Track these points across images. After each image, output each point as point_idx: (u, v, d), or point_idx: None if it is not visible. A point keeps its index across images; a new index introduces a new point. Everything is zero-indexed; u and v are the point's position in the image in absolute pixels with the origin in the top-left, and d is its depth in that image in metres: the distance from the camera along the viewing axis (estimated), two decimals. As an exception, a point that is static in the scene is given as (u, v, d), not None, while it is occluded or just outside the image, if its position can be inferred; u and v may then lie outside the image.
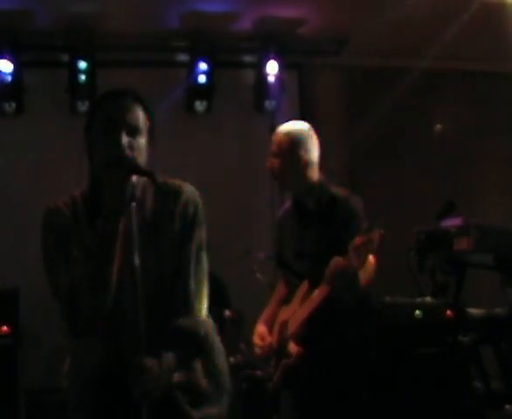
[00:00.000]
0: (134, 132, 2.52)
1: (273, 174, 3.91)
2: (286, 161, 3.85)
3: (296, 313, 3.80)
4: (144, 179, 2.54)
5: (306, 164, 3.83)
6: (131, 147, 2.49)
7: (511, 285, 3.94)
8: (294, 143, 3.82)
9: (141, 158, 2.53)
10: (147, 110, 2.61)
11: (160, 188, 2.61)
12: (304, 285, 3.79)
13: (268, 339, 3.98)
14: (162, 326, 2.54)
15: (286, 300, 4.03)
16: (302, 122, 3.99)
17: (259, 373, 5.32)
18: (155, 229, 2.60)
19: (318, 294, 3.65)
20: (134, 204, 2.40)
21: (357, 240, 3.38)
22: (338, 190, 3.87)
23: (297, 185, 3.89)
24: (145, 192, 2.62)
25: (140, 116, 2.56)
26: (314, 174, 3.87)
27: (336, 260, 3.51)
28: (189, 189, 2.71)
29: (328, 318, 3.69)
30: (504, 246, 3.63)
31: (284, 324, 3.91)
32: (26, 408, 6.18)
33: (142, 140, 2.55)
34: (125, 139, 2.48)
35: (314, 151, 3.87)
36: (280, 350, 3.90)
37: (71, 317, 2.47)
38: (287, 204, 4.09)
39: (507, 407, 4.13)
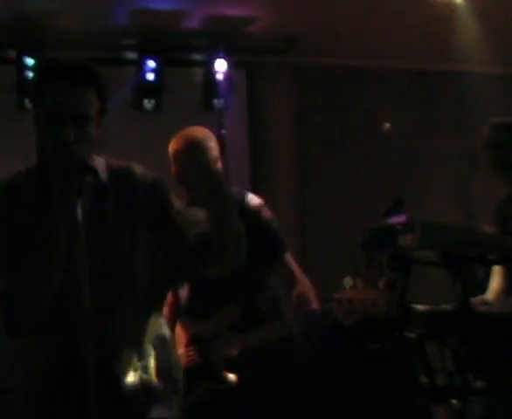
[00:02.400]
0: (82, 121, 2.39)
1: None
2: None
3: (225, 338, 3.70)
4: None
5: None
6: (78, 139, 2.37)
7: (457, 281, 3.98)
8: (202, 147, 3.63)
9: (90, 147, 2.44)
10: (98, 88, 2.45)
11: (106, 182, 2.52)
12: (231, 313, 3.71)
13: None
14: (116, 320, 2.48)
15: (186, 310, 3.94)
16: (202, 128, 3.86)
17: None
18: (107, 220, 2.51)
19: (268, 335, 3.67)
20: (79, 202, 2.31)
21: (352, 293, 3.40)
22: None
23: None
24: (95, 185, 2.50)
25: (89, 102, 2.42)
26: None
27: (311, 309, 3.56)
28: (139, 170, 2.65)
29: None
30: (449, 243, 3.66)
31: (196, 343, 3.78)
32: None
33: (91, 128, 2.42)
34: (71, 132, 2.35)
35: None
36: (197, 370, 3.75)
37: (9, 316, 2.39)
38: None
39: (453, 401, 4.17)
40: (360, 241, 3.87)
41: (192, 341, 3.81)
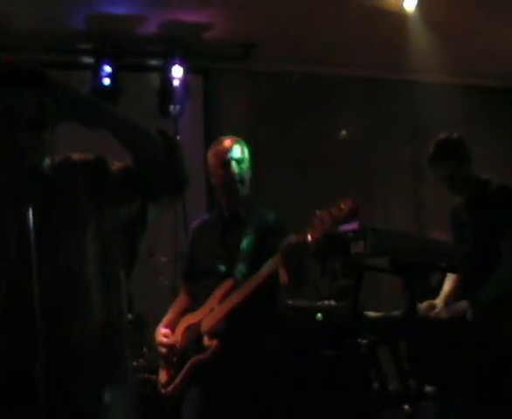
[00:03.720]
0: (37, 126, 2.35)
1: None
2: (217, 178, 3.98)
3: (214, 310, 3.82)
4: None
5: (235, 176, 3.91)
6: (33, 144, 2.34)
7: (407, 287, 4.03)
8: (226, 156, 3.93)
9: (46, 152, 2.41)
10: (52, 92, 2.32)
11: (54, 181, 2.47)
12: (226, 284, 3.82)
13: (172, 338, 4.00)
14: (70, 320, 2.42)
15: (189, 309, 4.06)
16: (235, 137, 4.06)
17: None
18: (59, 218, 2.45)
19: (253, 280, 3.72)
20: (29, 207, 2.24)
21: (321, 213, 3.46)
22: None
23: (227, 197, 3.98)
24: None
25: (44, 105, 2.35)
26: (242, 186, 3.95)
27: (288, 239, 3.58)
28: (76, 156, 2.59)
29: (248, 315, 3.74)
30: (399, 250, 3.70)
31: (190, 326, 3.93)
32: None
33: (46, 133, 2.38)
34: (26, 137, 2.32)
35: (245, 164, 3.97)
36: (185, 350, 3.91)
37: None
38: (207, 215, 4.23)
39: (404, 407, 4.21)
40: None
41: (185, 329, 3.97)
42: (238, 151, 3.97)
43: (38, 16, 6.58)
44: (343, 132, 8.13)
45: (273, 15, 6.81)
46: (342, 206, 3.45)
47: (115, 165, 2.59)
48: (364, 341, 4.33)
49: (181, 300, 4.22)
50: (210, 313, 3.85)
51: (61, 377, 2.38)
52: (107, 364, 2.51)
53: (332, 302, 4.50)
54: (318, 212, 3.51)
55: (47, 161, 2.47)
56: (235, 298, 3.75)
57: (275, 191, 7.37)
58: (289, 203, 7.25)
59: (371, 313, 4.18)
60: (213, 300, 3.86)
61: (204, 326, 3.85)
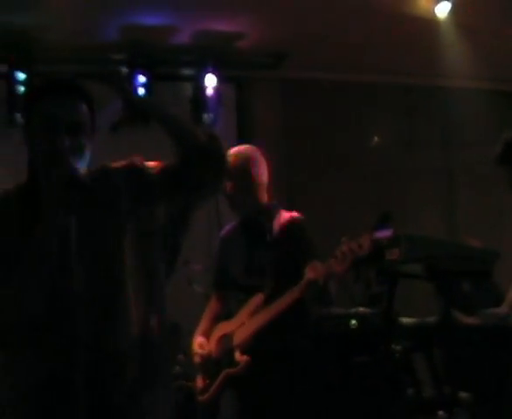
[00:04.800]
0: (76, 130, 2.43)
1: (224, 194, 4.00)
2: (238, 182, 3.97)
3: (245, 325, 3.89)
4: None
5: (257, 186, 3.96)
6: (72, 148, 2.41)
7: (441, 294, 4.03)
8: (246, 165, 3.95)
9: (83, 160, 2.46)
10: (89, 103, 2.49)
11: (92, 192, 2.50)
12: (256, 299, 3.87)
13: (207, 347, 4.05)
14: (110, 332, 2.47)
15: (223, 316, 4.12)
16: (251, 146, 4.11)
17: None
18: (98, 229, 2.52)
19: (280, 303, 3.76)
20: (73, 217, 2.32)
21: (344, 245, 3.51)
22: (290, 213, 4.08)
23: (248, 205, 3.99)
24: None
25: (82, 113, 2.46)
26: (264, 195, 4.00)
27: (313, 265, 3.64)
28: (111, 165, 2.66)
29: (280, 329, 3.79)
30: (433, 256, 3.71)
31: (225, 336, 3.99)
32: None
33: (84, 139, 2.46)
34: (65, 141, 2.39)
35: (264, 173, 4.00)
36: (220, 360, 3.97)
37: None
38: (233, 224, 4.23)
39: (439, 413, 4.20)
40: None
41: (219, 339, 4.04)
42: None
43: (72, 27, 6.65)
44: (375, 138, 8.13)
45: (304, 23, 6.82)
46: (362, 241, 3.51)
47: (153, 166, 2.68)
48: (398, 347, 4.34)
49: (213, 307, 4.29)
50: (241, 327, 3.92)
51: (101, 378, 2.43)
52: (146, 367, 2.56)
53: (366, 309, 4.51)
54: (343, 242, 3.56)
55: (84, 169, 2.52)
56: (264, 317, 3.82)
57: (306, 197, 7.38)
58: (320, 210, 7.28)
59: (406, 319, 4.18)
60: (244, 314, 3.93)
61: (236, 340, 3.92)
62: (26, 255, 2.36)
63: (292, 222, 4.04)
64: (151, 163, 2.69)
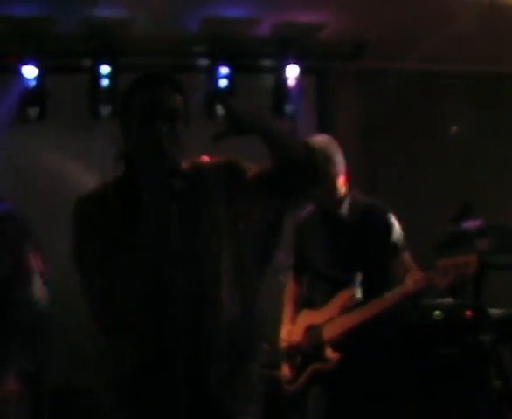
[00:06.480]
0: (173, 116, 2.49)
1: None
2: None
3: (336, 321, 3.89)
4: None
5: (335, 176, 3.94)
6: (169, 136, 2.45)
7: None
8: (324, 156, 3.92)
9: (179, 149, 2.50)
10: (183, 94, 2.56)
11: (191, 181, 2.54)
12: (345, 295, 3.87)
13: (295, 337, 4.06)
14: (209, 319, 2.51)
15: (304, 302, 4.12)
16: (329, 136, 4.10)
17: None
18: (197, 218, 2.57)
19: (374, 307, 3.78)
20: (173, 206, 2.37)
21: (449, 260, 3.49)
22: (371, 199, 4.02)
23: (327, 196, 3.98)
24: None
25: (177, 101, 2.53)
26: (342, 184, 3.98)
27: (413, 275, 3.62)
28: (207, 162, 2.72)
29: (370, 330, 3.81)
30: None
31: (313, 328, 3.99)
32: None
33: (181, 126, 2.51)
34: (163, 128, 2.45)
35: (341, 162, 3.99)
36: (308, 353, 3.98)
37: (104, 315, 2.46)
38: (309, 209, 4.21)
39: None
40: (435, 243, 3.90)
41: (307, 329, 4.04)
42: None
43: (153, 21, 6.74)
44: (455, 127, 8.03)
45: (385, 14, 6.78)
46: (469, 260, 3.47)
47: (251, 168, 2.72)
48: (485, 338, 4.30)
49: (294, 290, 4.32)
50: (331, 322, 3.91)
51: (197, 365, 2.47)
52: (238, 356, 2.59)
53: (450, 299, 4.49)
54: (442, 262, 3.54)
55: (181, 161, 2.56)
56: (358, 317, 3.82)
57: (387, 187, 7.33)
58: (402, 199, 7.24)
59: (493, 310, 4.15)
60: (333, 309, 3.93)
61: (326, 335, 3.92)
62: (130, 244, 2.41)
63: (373, 209, 4.02)
64: (248, 165, 2.74)
